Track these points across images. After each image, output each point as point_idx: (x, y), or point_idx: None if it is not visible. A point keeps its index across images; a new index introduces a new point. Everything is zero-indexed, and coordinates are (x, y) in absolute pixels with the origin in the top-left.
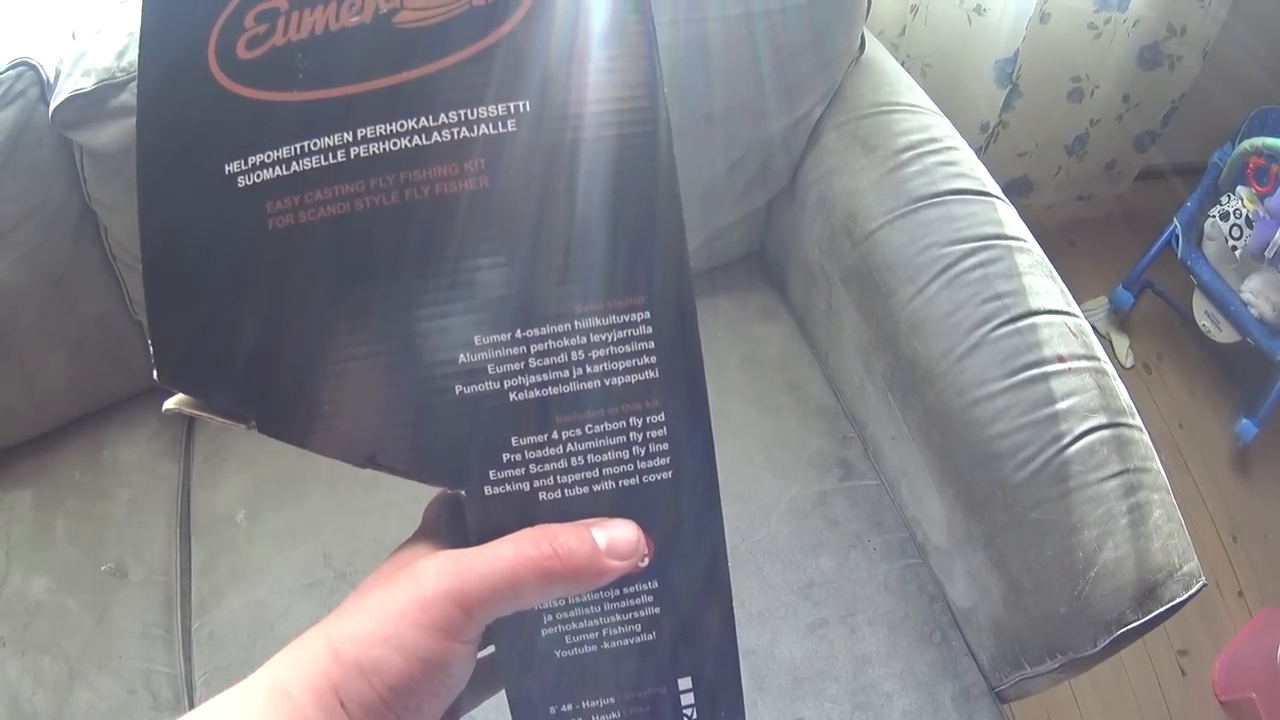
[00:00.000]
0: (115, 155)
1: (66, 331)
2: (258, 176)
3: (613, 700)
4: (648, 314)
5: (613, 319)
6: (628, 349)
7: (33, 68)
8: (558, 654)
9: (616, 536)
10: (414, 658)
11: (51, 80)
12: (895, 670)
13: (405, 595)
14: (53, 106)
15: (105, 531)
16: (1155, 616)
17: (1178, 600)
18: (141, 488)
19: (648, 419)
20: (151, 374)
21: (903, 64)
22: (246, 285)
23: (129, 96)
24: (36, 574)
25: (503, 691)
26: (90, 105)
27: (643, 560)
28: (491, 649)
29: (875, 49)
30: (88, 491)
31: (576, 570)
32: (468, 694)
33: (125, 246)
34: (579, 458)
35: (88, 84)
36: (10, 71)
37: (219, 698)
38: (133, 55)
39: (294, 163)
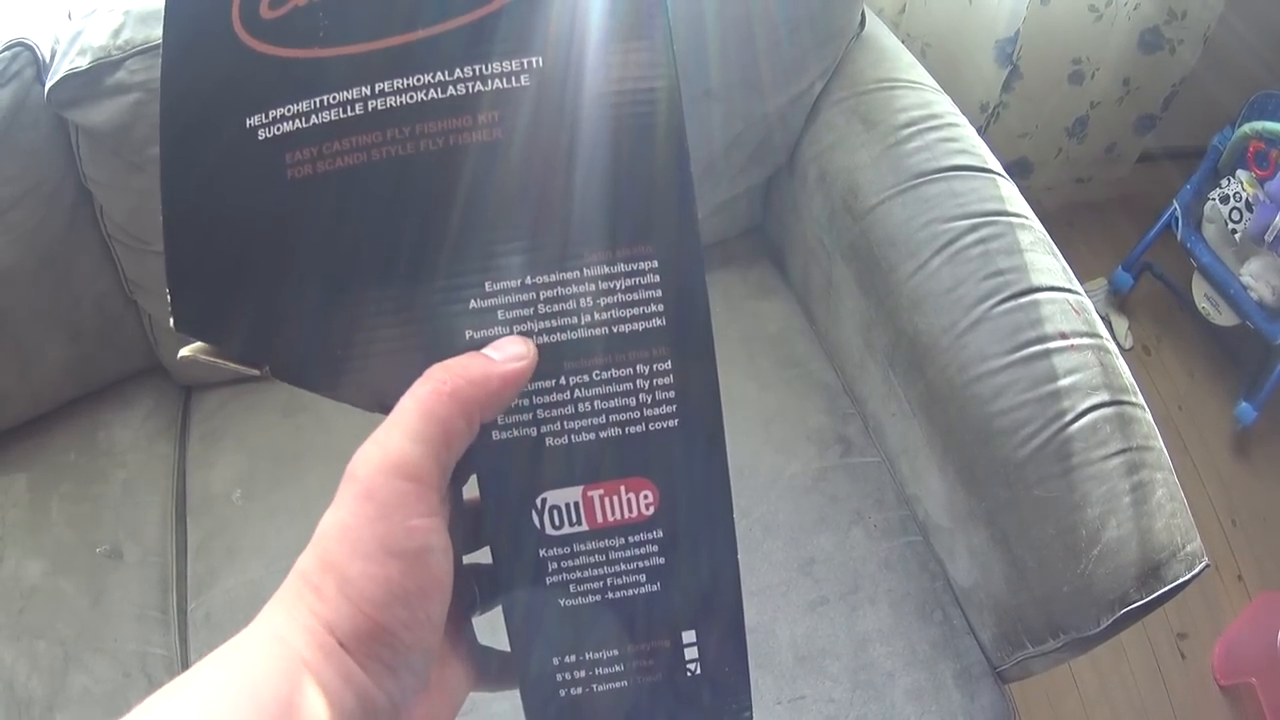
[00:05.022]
0: (111, 134)
1: (61, 313)
2: (278, 129)
3: (616, 652)
4: (656, 263)
5: (621, 267)
6: (636, 297)
7: (28, 47)
8: (562, 603)
9: (502, 345)
10: (386, 555)
11: (47, 60)
12: (896, 649)
13: (349, 497)
14: (48, 86)
15: (101, 513)
16: (1158, 596)
17: (1181, 580)
18: (137, 469)
19: (654, 367)
20: (146, 352)
21: (902, 43)
22: (264, 233)
23: (125, 75)
24: (32, 557)
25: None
26: (86, 84)
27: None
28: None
29: (875, 26)
30: (83, 473)
31: (481, 379)
32: (485, 683)
33: (121, 226)
34: (586, 404)
35: (83, 63)
36: (6, 52)
37: (219, 651)
38: (128, 34)
39: (313, 115)
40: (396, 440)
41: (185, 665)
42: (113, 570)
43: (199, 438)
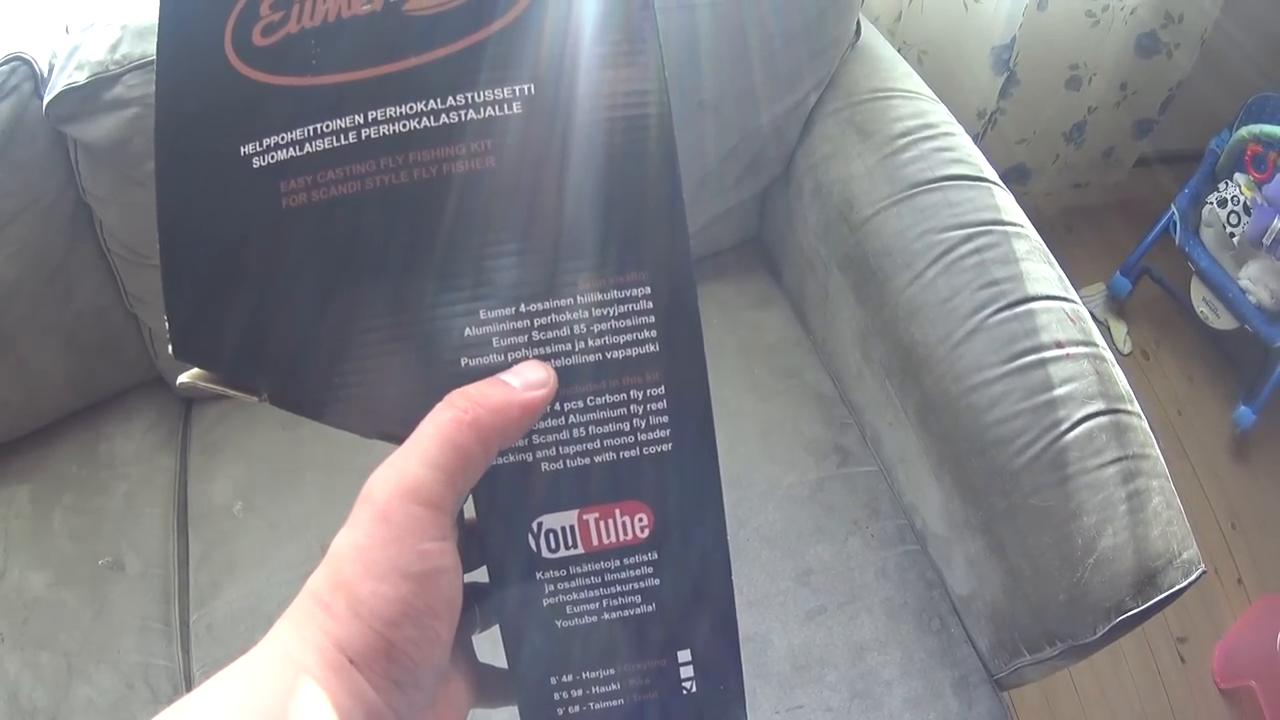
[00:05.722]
0: (109, 148)
1: (62, 325)
2: (272, 158)
3: (613, 672)
4: (649, 289)
5: (614, 294)
6: (629, 323)
7: (26, 62)
8: (558, 624)
9: (523, 371)
10: (399, 577)
11: (45, 74)
12: (894, 657)
13: (364, 519)
14: (46, 100)
15: (103, 525)
16: (1154, 603)
17: (1177, 587)
18: (138, 480)
19: (648, 392)
20: (147, 365)
21: (899, 51)
22: (260, 261)
23: (123, 90)
24: (34, 569)
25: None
26: (84, 99)
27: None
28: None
29: (871, 35)
30: (85, 485)
31: (501, 408)
32: (485, 700)
33: (120, 239)
34: (580, 429)
35: (81, 77)
36: (4, 66)
37: (228, 669)
38: (126, 49)
39: (307, 144)
40: (414, 465)
41: (188, 676)
42: (115, 582)
43: (200, 450)
